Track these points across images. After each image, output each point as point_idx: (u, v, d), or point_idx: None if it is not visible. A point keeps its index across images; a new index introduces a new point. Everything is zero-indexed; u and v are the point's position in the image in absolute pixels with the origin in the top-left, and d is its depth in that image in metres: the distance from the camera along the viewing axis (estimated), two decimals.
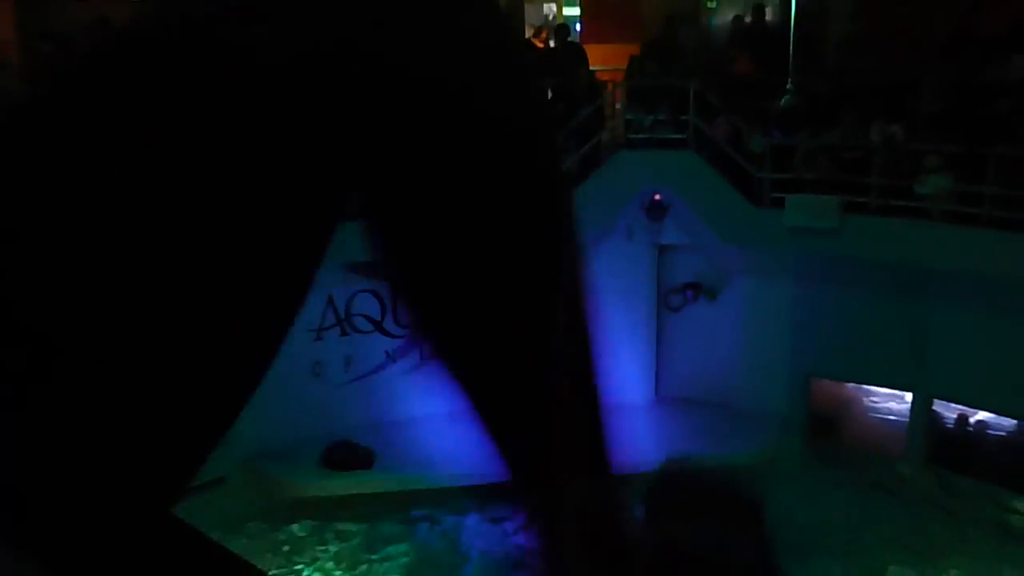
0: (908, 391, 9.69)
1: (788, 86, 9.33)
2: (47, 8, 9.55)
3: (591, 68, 10.84)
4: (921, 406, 9.54)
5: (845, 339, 9.47)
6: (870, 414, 10.60)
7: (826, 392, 10.32)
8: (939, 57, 9.72)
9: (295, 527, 8.57)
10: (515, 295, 0.50)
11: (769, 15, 11.09)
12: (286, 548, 8.37)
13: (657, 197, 9.88)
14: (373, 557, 8.35)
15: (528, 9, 13.31)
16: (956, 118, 8.96)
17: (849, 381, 10.35)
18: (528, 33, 12.04)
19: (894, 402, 10.28)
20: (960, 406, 9.61)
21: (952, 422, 9.78)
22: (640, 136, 9.94)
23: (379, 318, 9.61)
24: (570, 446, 0.54)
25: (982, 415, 9.62)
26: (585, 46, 11.50)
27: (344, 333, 9.59)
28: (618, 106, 10.39)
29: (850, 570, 8.12)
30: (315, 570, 8.21)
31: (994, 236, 8.07)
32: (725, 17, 11.93)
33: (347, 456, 8.92)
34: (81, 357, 0.39)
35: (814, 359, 9.76)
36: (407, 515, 8.74)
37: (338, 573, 8.23)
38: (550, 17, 14.35)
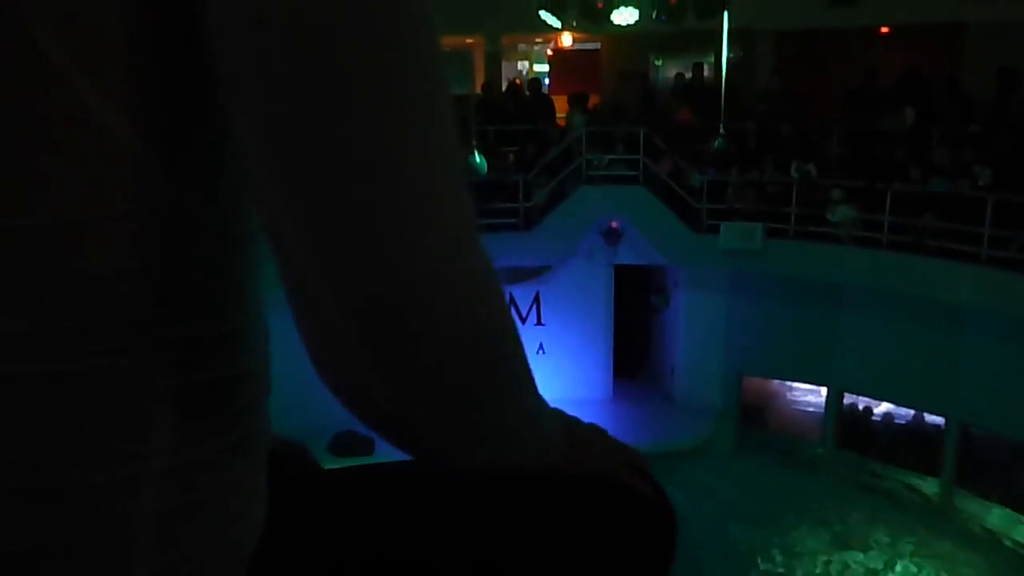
0: (823, 386, 9.77)
1: (721, 131, 9.41)
2: None
3: (557, 116, 10.92)
4: (834, 398, 9.63)
5: (770, 342, 9.54)
6: (792, 406, 10.68)
7: (755, 387, 10.39)
8: (844, 108, 9.89)
9: None
10: None
11: (705, 71, 11.20)
12: None
13: (613, 224, 9.91)
14: None
15: (504, 65, 13.36)
16: (859, 159, 9.12)
17: (774, 378, 10.42)
18: (504, 85, 12.10)
19: (812, 395, 10.35)
20: (867, 398, 9.72)
21: (860, 412, 9.89)
22: (598, 173, 9.98)
23: None
24: None
25: (885, 406, 9.73)
26: (553, 97, 11.56)
27: None
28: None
29: (772, 535, 8.15)
30: None
31: (890, 257, 8.19)
32: (669, 73, 12.04)
33: (351, 443, 8.83)
34: None
35: (744, 359, 9.82)
36: None
37: None
38: (523, 72, 14.40)
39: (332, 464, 0.63)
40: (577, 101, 10.72)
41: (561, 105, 11.14)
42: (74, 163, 0.36)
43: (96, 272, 0.38)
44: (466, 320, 0.36)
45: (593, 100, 11.36)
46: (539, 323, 10.32)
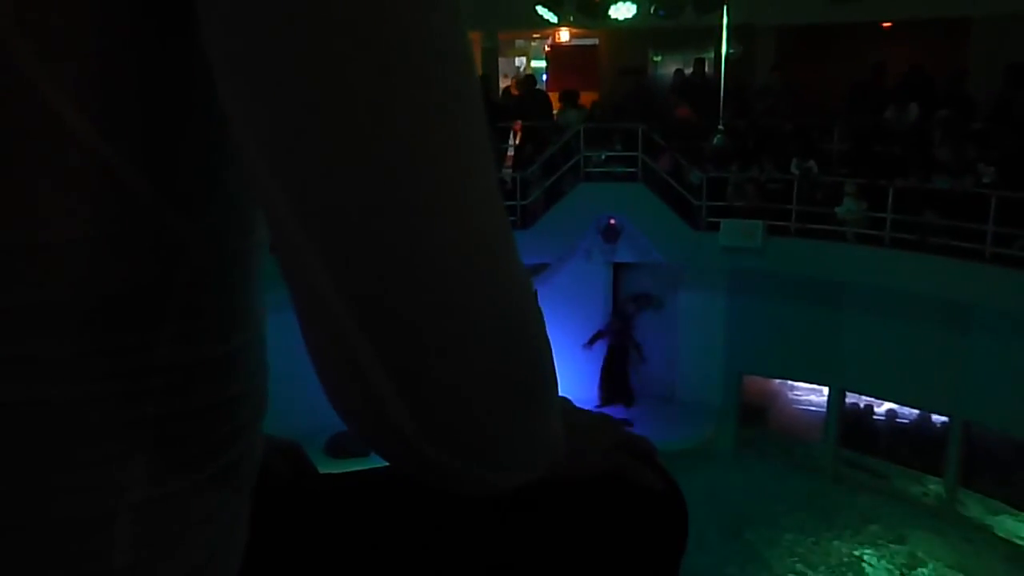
0: (825, 385, 9.78)
1: (720, 128, 9.42)
2: None
3: (554, 113, 10.91)
4: (836, 398, 9.64)
5: (771, 341, 9.55)
6: (793, 405, 10.69)
7: (755, 386, 10.40)
8: (847, 104, 9.89)
9: None
10: None
11: (706, 67, 11.20)
12: None
13: (611, 222, 9.92)
14: None
15: (501, 61, 13.36)
16: (861, 155, 9.13)
17: (775, 377, 10.43)
18: (503, 82, 12.11)
19: (813, 395, 10.36)
20: (868, 398, 9.73)
21: (862, 411, 9.90)
22: (596, 170, 9.99)
23: None
24: None
25: (887, 405, 9.74)
26: (550, 93, 11.56)
27: None
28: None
29: (774, 535, 8.16)
30: None
31: (893, 254, 8.20)
32: (668, 69, 12.05)
33: (346, 445, 8.83)
34: None
35: (745, 358, 9.82)
36: None
37: None
38: (521, 68, 14.40)
39: (327, 466, 0.63)
40: (568, 98, 10.71)
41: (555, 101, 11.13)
42: (49, 181, 0.34)
43: (73, 295, 0.35)
44: (500, 333, 0.33)
45: (590, 96, 11.36)
46: None
